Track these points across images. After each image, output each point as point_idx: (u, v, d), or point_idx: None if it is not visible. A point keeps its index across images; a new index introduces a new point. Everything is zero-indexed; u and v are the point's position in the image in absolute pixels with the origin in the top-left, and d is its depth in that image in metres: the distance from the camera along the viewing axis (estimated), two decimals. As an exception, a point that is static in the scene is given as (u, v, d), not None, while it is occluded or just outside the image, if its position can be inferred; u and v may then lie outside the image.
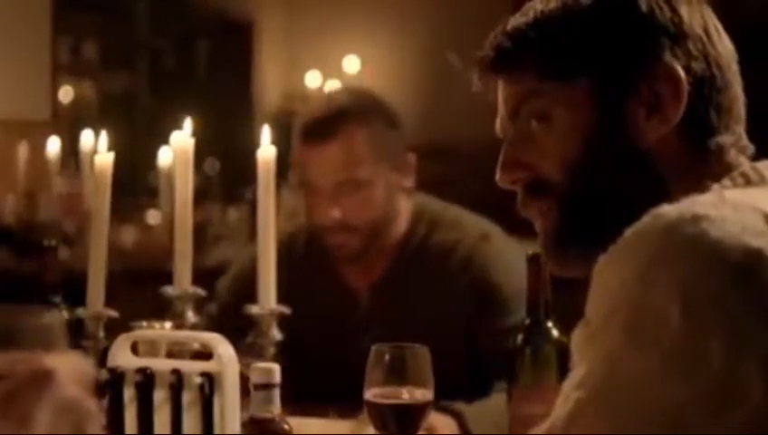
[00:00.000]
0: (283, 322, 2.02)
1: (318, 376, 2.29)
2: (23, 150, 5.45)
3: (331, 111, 2.37)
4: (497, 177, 1.37)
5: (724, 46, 1.34)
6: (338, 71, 7.52)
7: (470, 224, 2.39)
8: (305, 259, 2.46)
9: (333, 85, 7.46)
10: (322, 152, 2.34)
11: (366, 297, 2.41)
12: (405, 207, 2.41)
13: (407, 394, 1.51)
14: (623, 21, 1.31)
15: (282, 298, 2.04)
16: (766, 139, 1.41)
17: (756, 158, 1.33)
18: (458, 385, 2.24)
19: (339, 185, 2.33)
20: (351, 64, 7.60)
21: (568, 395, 1.18)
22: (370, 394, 1.51)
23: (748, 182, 1.27)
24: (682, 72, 1.29)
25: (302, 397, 2.24)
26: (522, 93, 1.35)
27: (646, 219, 1.18)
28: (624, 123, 1.30)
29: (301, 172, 2.38)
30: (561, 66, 1.32)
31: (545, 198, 1.34)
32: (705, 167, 1.30)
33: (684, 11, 1.32)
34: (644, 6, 1.31)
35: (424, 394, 1.51)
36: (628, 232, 1.18)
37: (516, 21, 1.36)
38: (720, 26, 1.36)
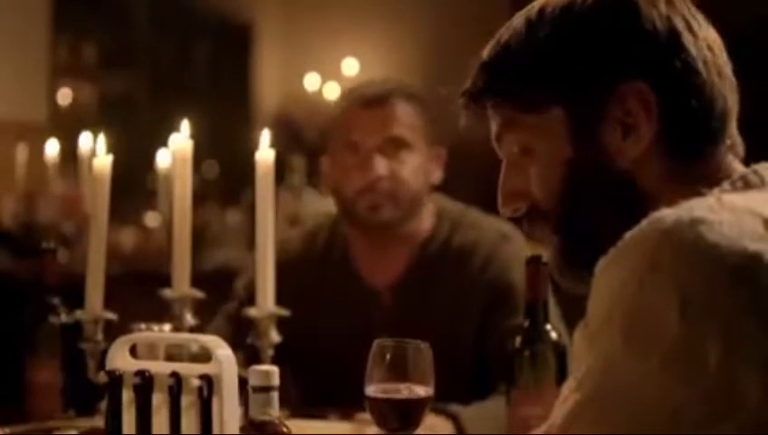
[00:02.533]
0: (300, 318, 2.03)
1: (332, 374, 2.30)
2: (21, 152, 5.45)
3: (379, 85, 2.47)
4: (499, 208, 1.38)
5: (707, 44, 1.31)
6: (337, 73, 7.52)
7: (490, 225, 2.42)
8: (325, 256, 2.47)
9: (332, 88, 7.48)
10: (372, 113, 2.40)
11: (385, 296, 2.42)
12: (430, 205, 2.44)
13: (406, 390, 1.51)
14: (586, 47, 1.30)
15: (298, 296, 2.04)
16: (763, 142, 1.41)
17: (754, 161, 1.33)
18: (470, 384, 2.26)
19: (384, 142, 2.38)
20: (350, 67, 7.60)
21: (566, 397, 1.19)
22: (371, 390, 1.52)
23: (748, 186, 1.27)
24: (648, 89, 1.28)
25: (316, 395, 2.25)
26: (502, 121, 1.37)
27: (645, 223, 1.18)
28: (601, 148, 1.30)
29: (345, 135, 2.42)
30: (531, 99, 1.33)
31: (544, 224, 1.35)
32: (699, 173, 1.29)
33: (655, 18, 1.30)
34: (607, 27, 1.30)
35: (424, 390, 1.51)
36: (628, 235, 1.19)
37: (489, 51, 1.36)
38: (702, 21, 1.33)
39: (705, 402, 1.10)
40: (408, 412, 1.52)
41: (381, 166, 2.36)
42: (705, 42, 1.31)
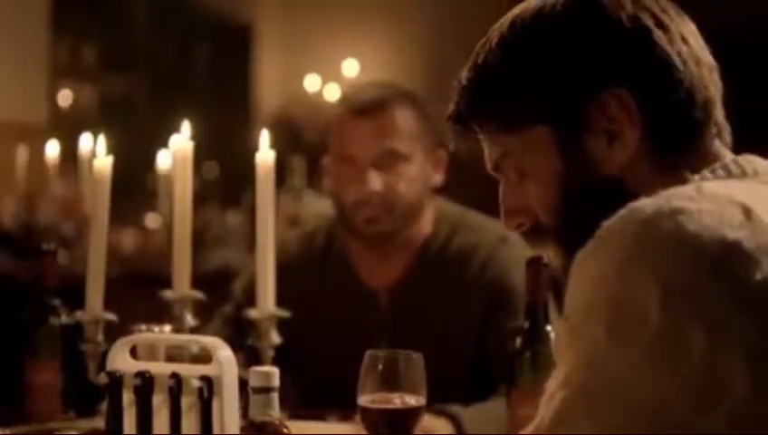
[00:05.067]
0: (299, 320, 2.04)
1: (331, 376, 2.30)
2: (21, 153, 5.45)
3: (375, 92, 2.44)
4: (502, 222, 1.39)
5: (681, 36, 1.31)
6: (337, 74, 7.53)
7: (489, 227, 2.41)
8: (324, 258, 2.47)
9: (332, 89, 7.48)
10: (367, 124, 2.38)
11: (384, 298, 2.42)
12: (429, 209, 2.43)
13: (398, 400, 1.51)
14: (559, 62, 1.30)
15: (297, 297, 2.04)
16: (749, 137, 1.41)
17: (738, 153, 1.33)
18: (470, 385, 2.26)
19: (380, 155, 2.36)
20: (350, 68, 7.60)
21: (552, 394, 1.18)
22: (363, 400, 1.52)
23: (729, 175, 1.28)
24: (627, 93, 1.28)
25: (315, 396, 2.26)
26: (496, 154, 1.37)
27: (623, 213, 1.18)
28: (588, 158, 1.30)
29: (341, 146, 2.40)
30: (512, 120, 1.33)
31: (546, 238, 1.35)
32: (686, 164, 1.29)
33: (622, 20, 1.29)
34: (576, 40, 1.30)
35: (416, 400, 1.51)
36: (605, 226, 1.18)
37: (468, 74, 1.36)
38: (674, 13, 1.32)
39: (692, 393, 1.10)
40: (400, 422, 1.52)
41: (376, 182, 2.35)
42: (679, 34, 1.31)
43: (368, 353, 1.53)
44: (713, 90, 1.32)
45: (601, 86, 1.29)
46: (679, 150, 1.30)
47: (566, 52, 1.30)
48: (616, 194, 1.28)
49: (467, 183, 2.58)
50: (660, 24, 1.30)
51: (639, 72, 1.29)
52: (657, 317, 1.11)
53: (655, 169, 1.30)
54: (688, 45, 1.31)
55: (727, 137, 1.34)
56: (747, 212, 1.16)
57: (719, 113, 1.34)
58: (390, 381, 1.52)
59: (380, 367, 1.52)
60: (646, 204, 1.17)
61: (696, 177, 1.27)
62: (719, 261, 1.12)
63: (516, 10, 1.36)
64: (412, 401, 1.51)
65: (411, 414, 1.52)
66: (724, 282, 1.12)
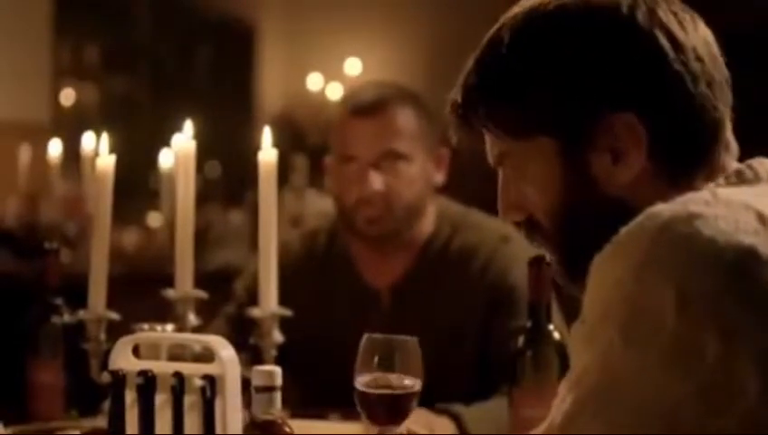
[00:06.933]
0: (300, 320, 2.05)
1: (332, 375, 2.30)
2: (24, 153, 5.45)
3: (375, 92, 2.44)
4: (500, 215, 1.39)
5: (695, 55, 1.29)
6: (339, 73, 7.52)
7: (491, 226, 2.41)
8: (326, 257, 2.47)
9: (335, 88, 7.48)
10: (367, 124, 2.38)
11: (386, 297, 2.42)
12: (431, 208, 2.43)
13: (395, 382, 1.52)
14: (570, 76, 1.29)
15: (299, 296, 2.04)
16: (756, 140, 1.41)
17: (747, 157, 1.33)
18: (472, 385, 2.26)
19: (381, 156, 2.36)
20: (353, 67, 7.60)
21: (564, 395, 1.19)
22: (359, 383, 1.52)
23: (742, 180, 1.28)
24: (635, 118, 1.27)
25: (316, 395, 2.26)
26: (496, 152, 1.36)
27: (640, 218, 1.18)
28: (591, 175, 1.29)
29: (342, 147, 2.40)
30: (515, 127, 1.33)
31: (542, 236, 1.35)
32: (692, 179, 1.29)
33: (639, 39, 1.28)
34: (591, 54, 1.28)
35: (413, 383, 1.52)
36: (623, 231, 1.19)
37: (473, 74, 1.34)
38: (689, 22, 1.30)
39: (704, 397, 1.11)
40: (397, 405, 1.52)
41: (377, 182, 2.35)
42: (693, 51, 1.29)
43: (365, 337, 1.54)
44: (722, 108, 1.31)
45: (610, 108, 1.28)
46: (684, 171, 1.30)
47: (576, 68, 1.29)
48: (618, 210, 1.27)
49: (470, 178, 2.58)
50: (675, 43, 1.28)
51: (650, 97, 1.28)
52: (673, 321, 1.12)
53: (659, 188, 1.29)
54: (702, 63, 1.29)
55: (735, 151, 1.33)
56: (762, 218, 1.17)
57: (728, 132, 1.32)
58: (387, 366, 1.52)
59: (377, 352, 1.52)
60: (663, 209, 1.18)
61: (710, 183, 1.27)
62: (735, 266, 1.13)
63: (522, 10, 1.33)
64: (409, 383, 1.52)
65: (407, 397, 1.53)
66: (739, 287, 1.12)
